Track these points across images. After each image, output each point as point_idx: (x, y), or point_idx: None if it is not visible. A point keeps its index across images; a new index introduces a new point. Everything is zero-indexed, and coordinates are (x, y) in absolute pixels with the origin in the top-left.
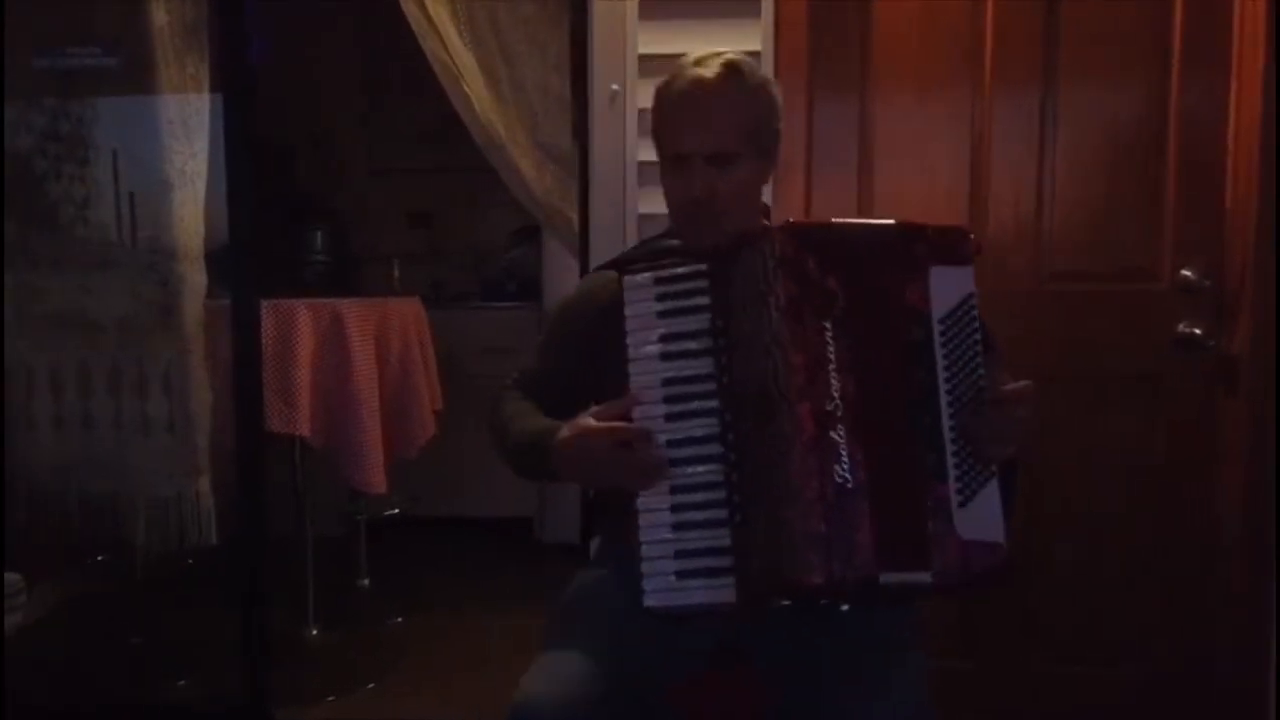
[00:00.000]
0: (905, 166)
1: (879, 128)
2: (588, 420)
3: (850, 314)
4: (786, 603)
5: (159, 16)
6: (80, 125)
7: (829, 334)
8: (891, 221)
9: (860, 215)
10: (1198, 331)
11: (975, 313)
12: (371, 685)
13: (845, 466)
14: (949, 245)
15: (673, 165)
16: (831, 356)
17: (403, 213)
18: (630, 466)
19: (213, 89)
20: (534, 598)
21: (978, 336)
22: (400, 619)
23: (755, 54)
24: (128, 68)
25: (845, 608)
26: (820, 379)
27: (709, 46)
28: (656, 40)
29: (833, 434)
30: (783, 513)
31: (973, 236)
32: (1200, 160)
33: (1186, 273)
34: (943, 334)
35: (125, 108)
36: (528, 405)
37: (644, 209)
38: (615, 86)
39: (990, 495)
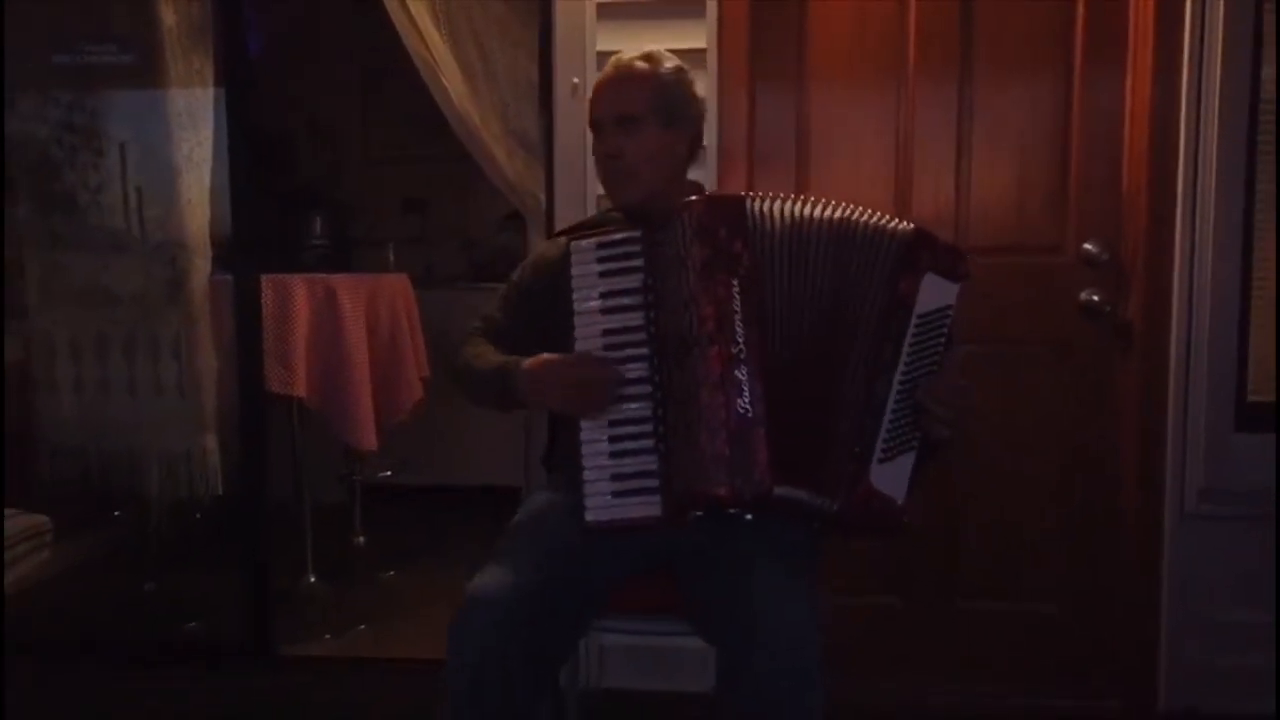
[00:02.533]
0: (838, 155)
1: (814, 120)
2: (547, 355)
3: (758, 273)
4: (700, 514)
5: (168, 17)
6: (95, 117)
7: (736, 289)
8: (912, 226)
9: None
10: (1097, 299)
11: (948, 321)
12: (364, 627)
13: (746, 399)
14: (949, 262)
15: (593, 133)
16: (738, 309)
17: (397, 199)
18: (586, 388)
19: (216, 84)
20: None
21: (944, 338)
22: (392, 572)
23: (701, 51)
24: (140, 64)
25: (749, 517)
26: (727, 327)
27: (659, 44)
28: (613, 38)
29: (736, 373)
30: (696, 437)
31: (968, 261)
32: (1100, 146)
33: (1089, 246)
34: (917, 326)
35: (137, 100)
36: (490, 347)
37: (602, 191)
38: (576, 80)
39: (906, 462)
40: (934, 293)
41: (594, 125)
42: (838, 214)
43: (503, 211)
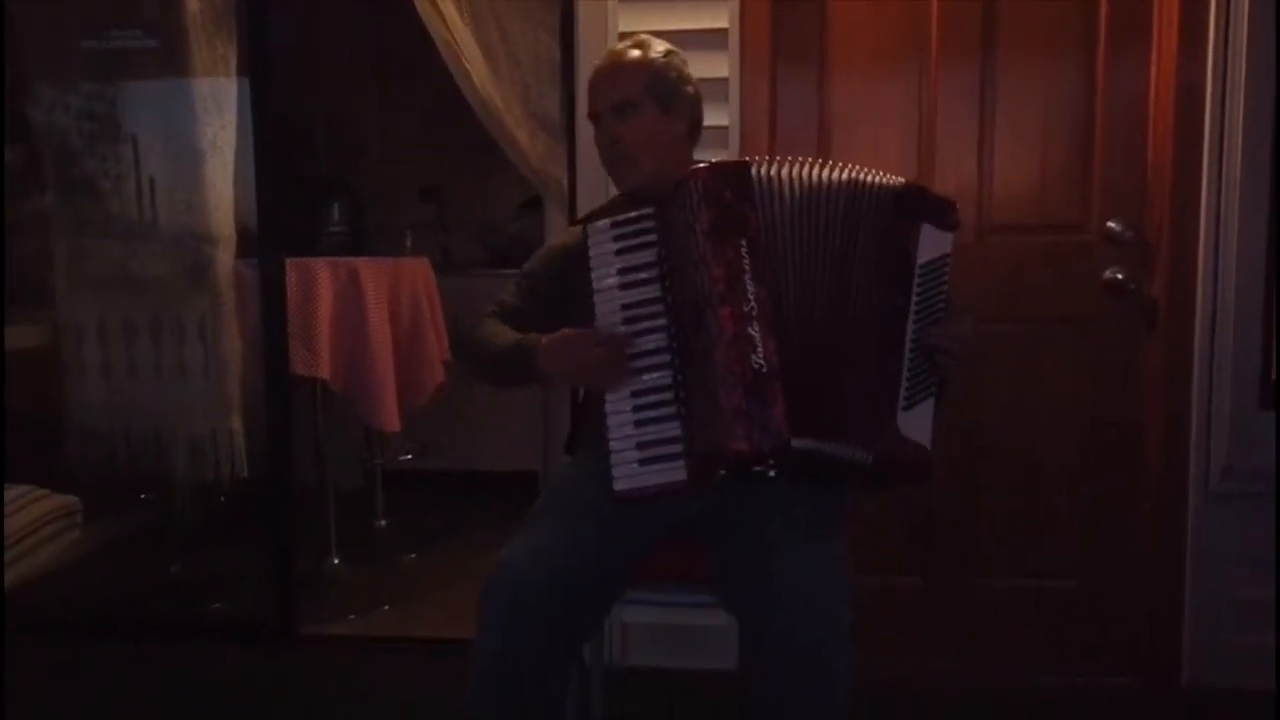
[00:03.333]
0: (860, 135)
1: (836, 100)
2: (567, 330)
3: (766, 233)
4: (723, 472)
5: (192, 2)
6: (120, 104)
7: (744, 249)
8: (902, 180)
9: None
10: (1120, 277)
11: (948, 268)
12: (387, 608)
13: (760, 355)
14: (941, 211)
15: (595, 125)
16: (747, 268)
17: (415, 187)
18: (605, 364)
19: (239, 71)
20: None
21: (946, 286)
22: (414, 555)
23: (723, 31)
24: (165, 49)
25: (772, 474)
26: (737, 286)
27: (681, 24)
28: (635, 19)
29: (749, 329)
30: (714, 396)
31: (958, 210)
32: (1124, 123)
33: (1112, 224)
34: (920, 275)
35: (162, 86)
36: (506, 327)
37: None
38: (599, 61)
39: (928, 408)
40: (931, 242)
41: (593, 118)
42: (839, 174)
43: (519, 198)
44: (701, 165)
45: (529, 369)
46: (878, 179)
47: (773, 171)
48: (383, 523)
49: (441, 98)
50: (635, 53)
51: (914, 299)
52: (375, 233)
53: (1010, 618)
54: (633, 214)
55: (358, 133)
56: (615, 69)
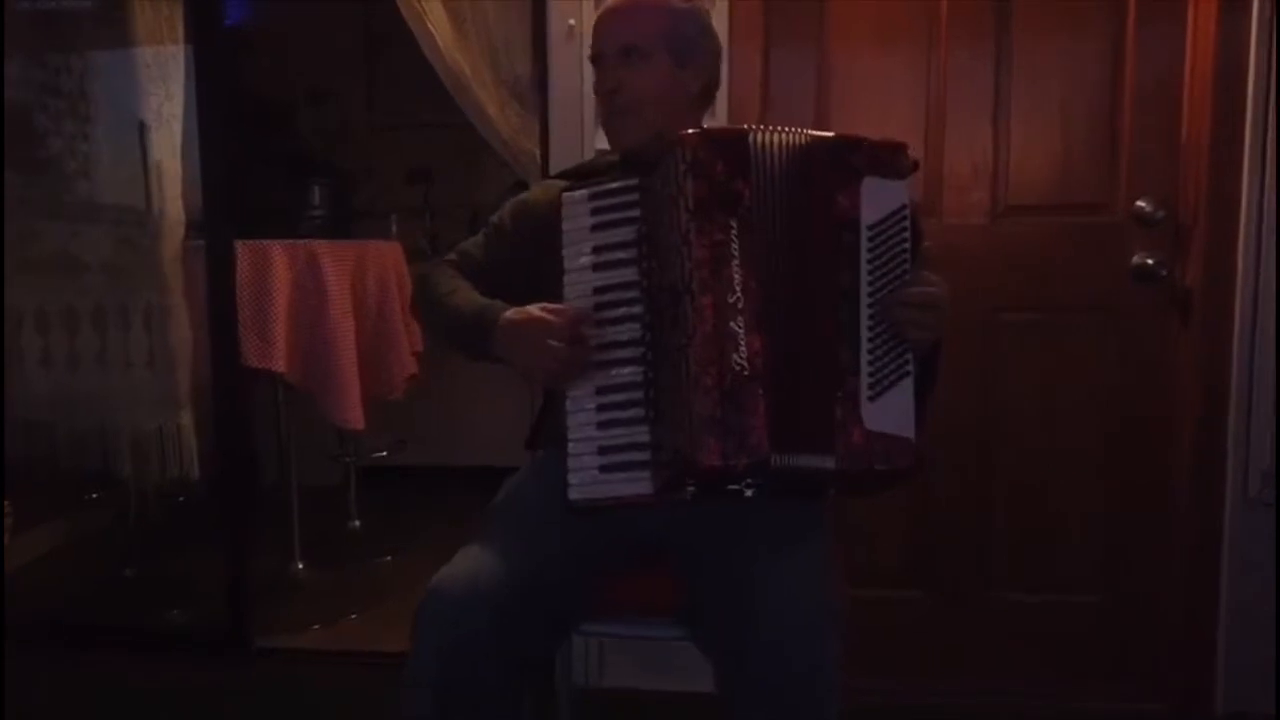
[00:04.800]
0: (862, 114)
1: (836, 76)
2: (535, 309)
3: (759, 213)
4: (693, 489)
5: None
6: (57, 72)
7: (734, 232)
8: (831, 134)
9: None
10: (1151, 262)
11: (906, 224)
12: (354, 616)
13: (743, 355)
14: (885, 158)
15: (595, 68)
16: (735, 253)
17: (401, 168)
18: (562, 361)
19: (188, 36)
20: None
21: (906, 245)
22: (389, 558)
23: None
24: (103, 11)
25: (749, 494)
26: (724, 274)
27: None
28: None
29: (732, 324)
30: (686, 399)
31: (910, 152)
32: (1156, 92)
33: (1142, 204)
34: (871, 239)
35: (104, 52)
36: (466, 284)
37: (601, 144)
38: (572, 21)
39: (903, 392)
40: (880, 198)
41: (595, 59)
42: (828, 140)
43: (508, 182)
44: (693, 131)
45: (484, 346)
46: (817, 136)
47: (771, 140)
48: (356, 523)
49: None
50: None
51: (864, 269)
52: (359, 216)
53: (1024, 635)
54: (614, 184)
55: (343, 111)
56: (631, 7)
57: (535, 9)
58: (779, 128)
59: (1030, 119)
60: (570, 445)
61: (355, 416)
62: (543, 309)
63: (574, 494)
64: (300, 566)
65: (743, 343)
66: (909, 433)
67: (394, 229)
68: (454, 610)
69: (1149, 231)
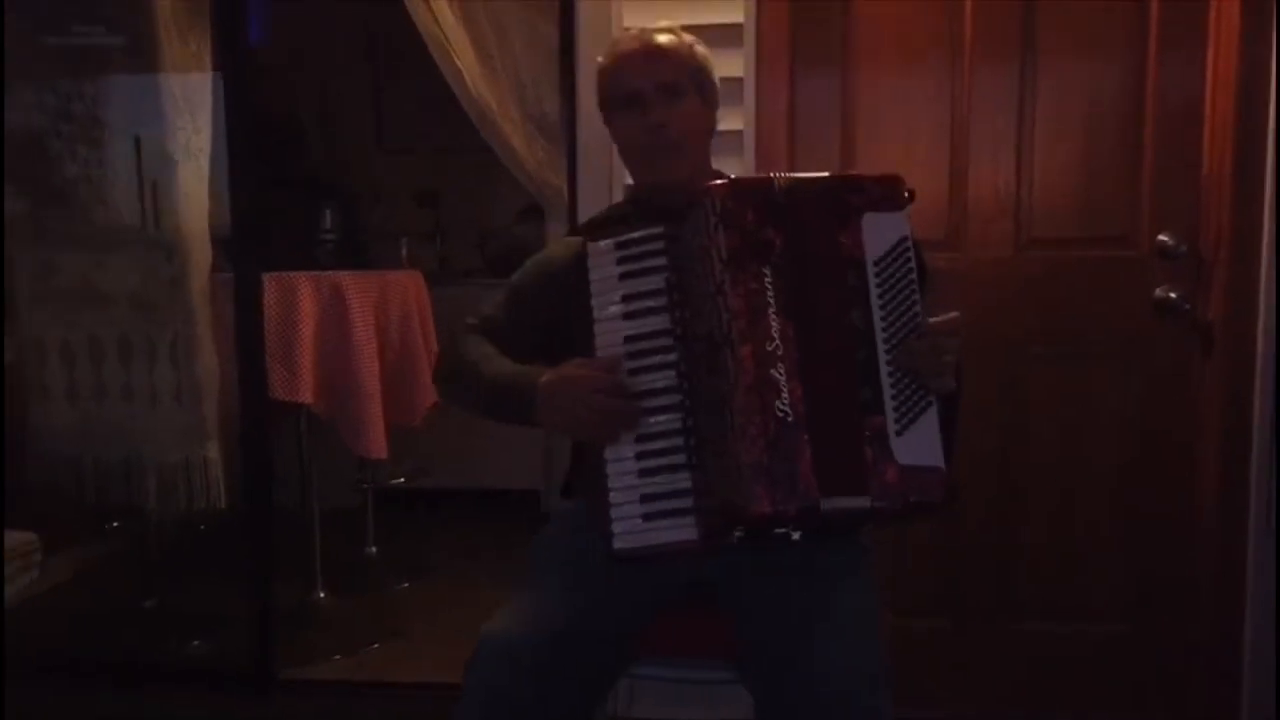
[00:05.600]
0: (887, 139)
1: (861, 101)
2: (570, 368)
3: (788, 261)
4: (740, 534)
5: None
6: (87, 104)
7: (768, 280)
8: (827, 174)
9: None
10: (1174, 295)
11: (909, 254)
12: (376, 646)
13: (785, 401)
14: (882, 193)
15: (627, 106)
16: (771, 301)
17: (410, 191)
18: (608, 417)
19: (215, 67)
20: None
21: (912, 276)
22: (406, 584)
23: (737, 27)
24: (133, 46)
25: (796, 537)
26: (761, 322)
27: (691, 19)
28: (640, 14)
29: (773, 372)
30: (731, 448)
31: (906, 183)
32: (1177, 128)
33: (1164, 238)
34: (877, 275)
35: (132, 85)
36: (494, 349)
37: (630, 179)
38: (601, 59)
39: (928, 423)
40: (881, 232)
41: (630, 98)
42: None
43: (519, 204)
44: (719, 181)
45: (524, 414)
46: (813, 178)
47: (796, 188)
48: (373, 550)
49: (439, 97)
50: (672, 38)
51: (876, 306)
52: (370, 239)
53: (1051, 663)
54: (638, 233)
55: (352, 134)
56: (660, 50)
57: (564, 45)
58: (795, 174)
59: (1054, 150)
60: (611, 495)
61: (379, 447)
62: (579, 365)
63: (619, 544)
64: (322, 595)
65: (784, 389)
66: (939, 462)
67: (404, 252)
68: (504, 662)
69: (1171, 265)
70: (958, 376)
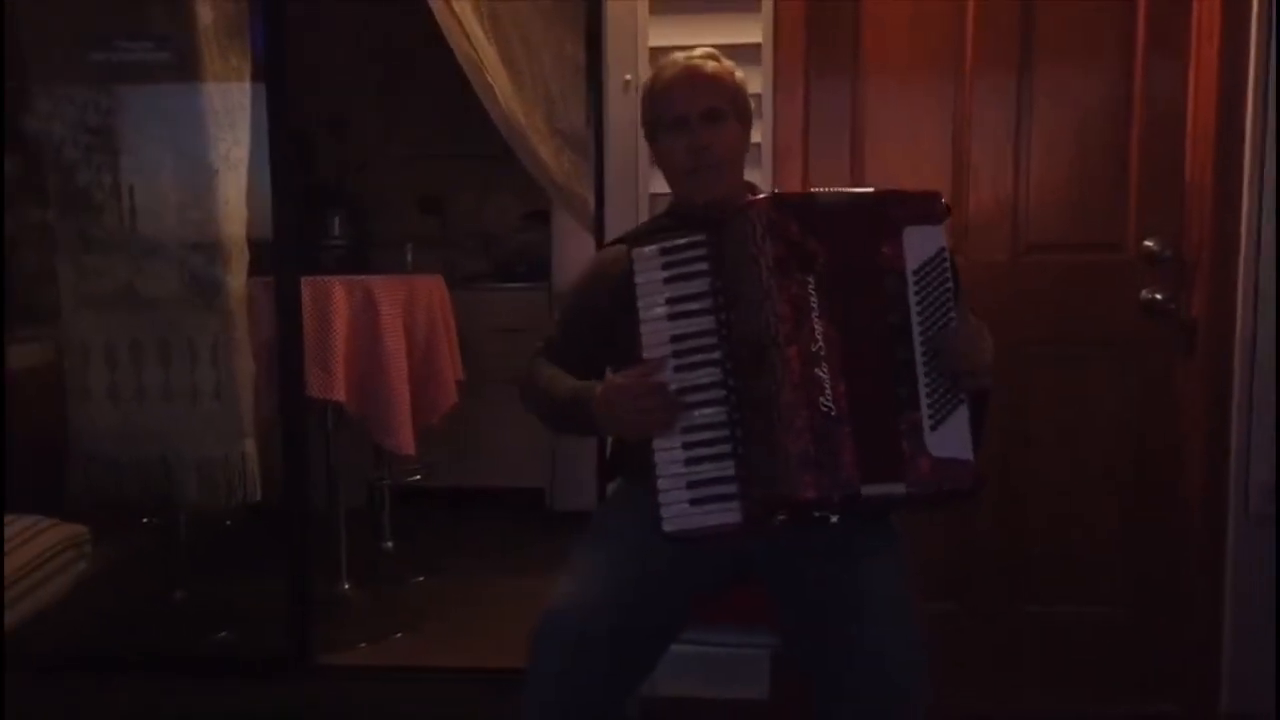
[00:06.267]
0: (894, 148)
1: (869, 112)
2: (617, 379)
3: (830, 269)
4: (783, 518)
5: (205, 14)
6: (131, 118)
7: (811, 287)
8: (871, 189)
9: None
10: (1159, 297)
11: (946, 264)
12: (400, 635)
13: (829, 398)
14: (922, 208)
15: (672, 129)
16: (814, 305)
17: (414, 197)
18: (654, 414)
19: (254, 80)
20: (546, 561)
21: (949, 284)
22: (422, 578)
23: (756, 46)
24: (176, 62)
25: (834, 519)
26: (805, 325)
27: (714, 39)
28: (666, 33)
29: (817, 371)
30: (779, 440)
31: (944, 199)
32: (1162, 140)
33: (1149, 244)
34: (916, 283)
35: (174, 100)
36: (558, 371)
37: (655, 189)
38: (628, 76)
39: (960, 419)
40: (921, 243)
41: (675, 122)
42: (852, 196)
43: (522, 210)
44: (763, 195)
45: (589, 426)
46: (858, 193)
47: (834, 201)
48: (389, 545)
49: (444, 105)
50: (714, 64)
51: (914, 311)
52: (375, 246)
53: (1047, 645)
54: (682, 240)
55: (358, 141)
56: (704, 76)
57: (592, 63)
58: (834, 188)
59: (1049, 158)
60: (660, 481)
61: (406, 442)
62: (623, 375)
63: (667, 526)
64: (346, 587)
65: (828, 387)
66: (968, 455)
67: (409, 258)
68: (571, 630)
69: (1157, 269)
70: (988, 378)
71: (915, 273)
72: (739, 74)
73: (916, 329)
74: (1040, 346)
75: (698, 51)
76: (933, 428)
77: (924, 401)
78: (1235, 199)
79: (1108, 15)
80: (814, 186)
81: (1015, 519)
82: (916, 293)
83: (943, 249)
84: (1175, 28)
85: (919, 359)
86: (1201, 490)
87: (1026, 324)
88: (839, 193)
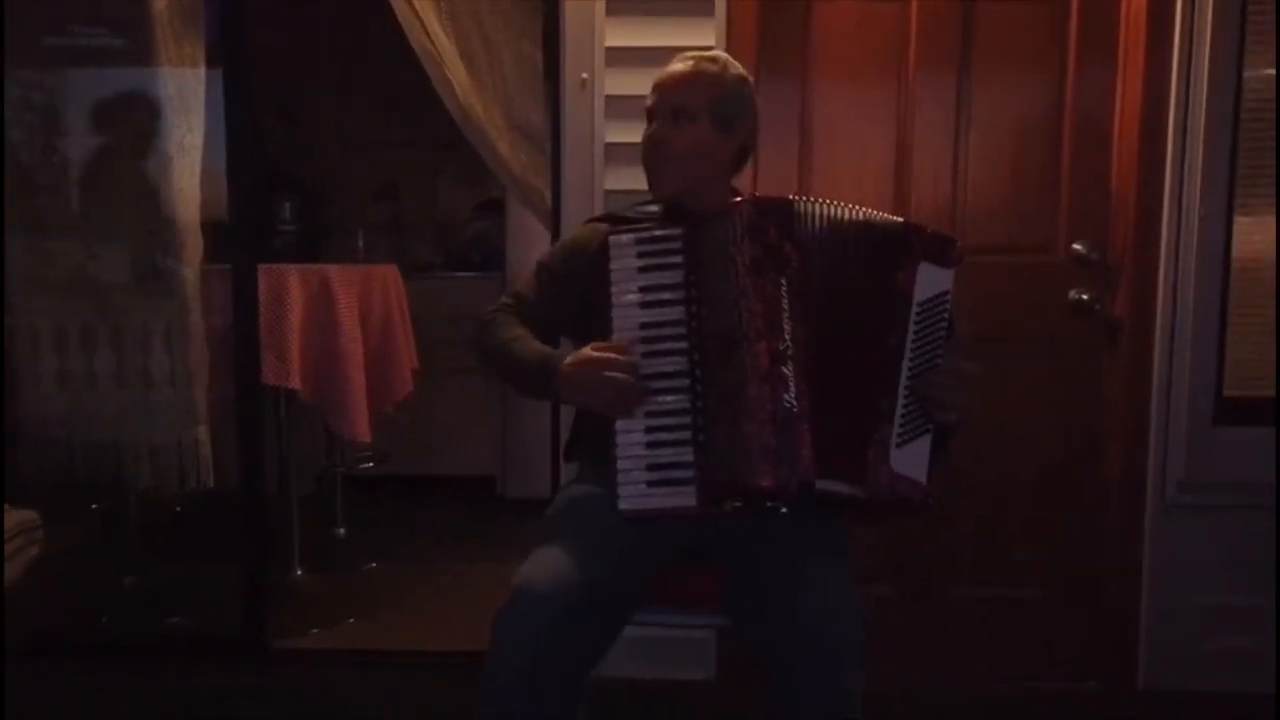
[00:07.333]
0: (840, 148)
1: (817, 114)
2: (588, 351)
3: (805, 271)
4: (739, 504)
5: (159, 1)
6: (84, 102)
7: (784, 288)
8: (900, 219)
9: (799, 191)
10: (1086, 297)
11: (947, 306)
12: (352, 620)
13: (791, 394)
14: (941, 248)
15: (646, 119)
16: (785, 306)
17: (367, 184)
18: (620, 390)
19: (209, 67)
20: (498, 548)
21: (944, 324)
22: (374, 564)
23: (709, 48)
24: (131, 47)
25: (784, 510)
26: (776, 323)
27: (668, 41)
28: (622, 34)
29: (783, 368)
30: (742, 430)
31: (959, 246)
32: (1091, 146)
33: (1078, 247)
34: (918, 315)
35: (128, 85)
36: (524, 330)
37: (610, 185)
38: (584, 75)
39: (923, 445)
40: (930, 280)
41: (649, 112)
42: (860, 215)
43: (477, 199)
44: (745, 198)
45: (547, 391)
46: (883, 219)
47: (810, 210)
48: (342, 531)
49: (399, 93)
50: (711, 67)
51: (910, 337)
52: (328, 233)
53: (977, 625)
54: (659, 233)
55: (311, 127)
56: (686, 77)
57: (549, 62)
58: (817, 199)
59: (984, 168)
60: (620, 462)
61: (362, 430)
62: (595, 348)
63: (624, 505)
64: (299, 573)
65: (792, 384)
66: (923, 477)
67: (361, 244)
68: (537, 608)
69: (1084, 271)
70: (963, 420)
71: (920, 304)
72: (730, 80)
73: (909, 354)
74: (975, 344)
75: (698, 52)
76: (898, 445)
77: (898, 420)
78: (1157, 206)
79: (1043, 26)
80: (762, 183)
81: (948, 506)
82: (917, 322)
83: (947, 291)
84: (1105, 38)
85: (903, 381)
86: (1122, 480)
87: (962, 321)
88: (836, 205)
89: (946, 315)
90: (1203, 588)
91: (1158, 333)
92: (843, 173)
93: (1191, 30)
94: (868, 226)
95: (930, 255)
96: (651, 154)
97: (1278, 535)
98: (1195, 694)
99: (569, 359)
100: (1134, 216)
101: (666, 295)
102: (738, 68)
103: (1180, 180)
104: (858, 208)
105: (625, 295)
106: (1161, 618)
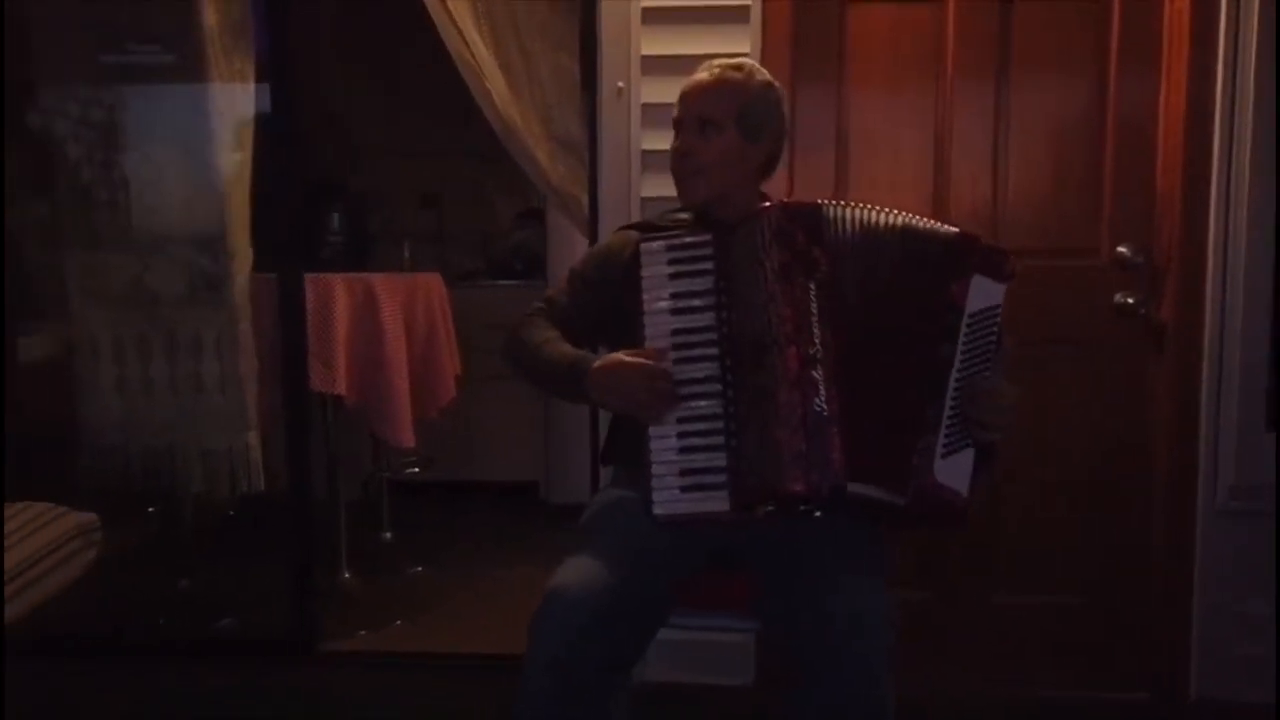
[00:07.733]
0: (877, 154)
1: (853, 120)
2: (620, 355)
3: (835, 276)
4: (771, 509)
5: (209, 17)
6: (138, 116)
7: (813, 293)
8: (956, 230)
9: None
10: (1131, 301)
11: (997, 320)
12: (399, 622)
13: (821, 398)
14: (995, 262)
15: (673, 129)
16: (814, 311)
17: (412, 193)
18: (652, 396)
19: (257, 81)
20: (539, 552)
21: (994, 337)
22: (420, 568)
23: (744, 55)
24: (182, 63)
25: (818, 514)
26: (805, 328)
27: (704, 49)
28: (657, 42)
29: (813, 372)
30: (773, 435)
31: (1013, 261)
32: (1133, 149)
33: (1122, 249)
34: (969, 326)
35: (180, 100)
36: (556, 333)
37: (646, 193)
38: (620, 84)
39: (967, 456)
40: (982, 293)
41: (676, 123)
42: (899, 220)
43: (518, 208)
44: (772, 203)
45: (577, 394)
46: (931, 226)
47: (840, 214)
48: (388, 535)
49: (442, 103)
50: (735, 75)
51: (960, 348)
52: (373, 241)
53: (1022, 633)
54: (689, 239)
55: (358, 137)
56: (712, 85)
57: (586, 70)
58: (846, 203)
59: (1025, 170)
60: (654, 467)
61: (407, 436)
62: (627, 354)
63: (658, 510)
64: (346, 576)
65: (821, 388)
66: (964, 490)
67: (407, 254)
68: (571, 612)
69: (1129, 274)
70: (999, 437)
71: (971, 316)
72: (756, 87)
73: (958, 365)
74: (1017, 349)
75: (725, 60)
76: (944, 455)
77: (943, 429)
78: (1203, 207)
79: (1083, 29)
80: (798, 189)
81: (990, 512)
82: (966, 334)
83: (998, 305)
84: (1147, 41)
85: (950, 391)
86: (1169, 486)
87: (1004, 326)
88: (870, 210)
89: (996, 329)
90: (1255, 595)
91: (1206, 336)
92: (880, 177)
93: (1238, 27)
94: (909, 232)
95: (985, 268)
96: (680, 166)
97: (1278, 536)
98: (1249, 706)
99: (599, 362)
100: (1179, 218)
101: (697, 301)
102: (763, 74)
103: (1227, 180)
104: (897, 212)
105: (657, 302)
106: (1213, 626)
